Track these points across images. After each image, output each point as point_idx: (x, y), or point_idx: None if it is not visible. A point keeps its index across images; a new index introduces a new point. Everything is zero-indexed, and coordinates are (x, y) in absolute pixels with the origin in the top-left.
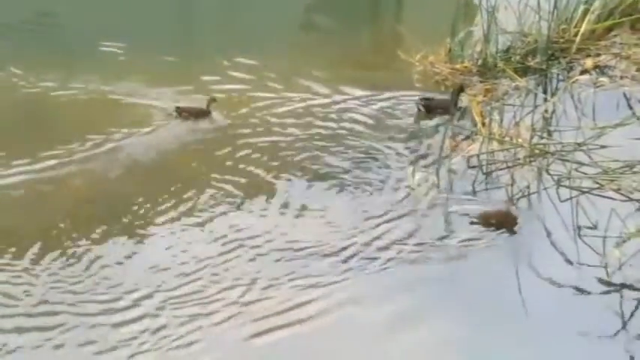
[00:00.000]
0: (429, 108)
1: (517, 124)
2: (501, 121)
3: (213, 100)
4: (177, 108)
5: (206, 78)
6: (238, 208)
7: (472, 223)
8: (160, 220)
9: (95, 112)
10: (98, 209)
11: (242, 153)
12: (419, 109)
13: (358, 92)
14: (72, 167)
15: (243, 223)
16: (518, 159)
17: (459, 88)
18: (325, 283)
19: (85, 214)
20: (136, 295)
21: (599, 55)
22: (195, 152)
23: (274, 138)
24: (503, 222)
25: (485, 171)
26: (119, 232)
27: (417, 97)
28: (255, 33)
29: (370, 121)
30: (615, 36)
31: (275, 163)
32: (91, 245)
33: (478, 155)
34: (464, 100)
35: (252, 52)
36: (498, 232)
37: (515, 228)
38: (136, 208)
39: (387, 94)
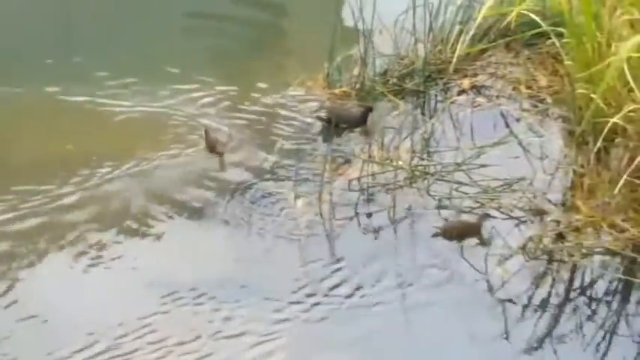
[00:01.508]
0: (332, 121)
1: (397, 146)
2: (382, 143)
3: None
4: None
5: None
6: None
7: (435, 235)
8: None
9: None
10: None
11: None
12: (324, 121)
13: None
14: None
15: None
16: (399, 181)
17: (368, 108)
18: (263, 335)
19: None
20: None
21: (475, 75)
22: None
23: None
24: (466, 233)
25: (366, 194)
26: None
27: (317, 109)
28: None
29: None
30: (491, 56)
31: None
32: None
33: (359, 178)
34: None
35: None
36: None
37: (480, 237)
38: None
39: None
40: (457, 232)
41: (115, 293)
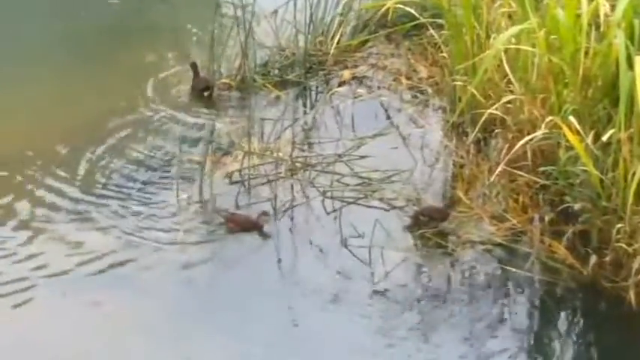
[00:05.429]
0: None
1: (278, 137)
2: (262, 135)
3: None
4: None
5: None
6: None
7: (412, 223)
8: None
9: None
10: None
11: None
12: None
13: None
14: None
15: None
16: (280, 172)
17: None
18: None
19: None
20: None
21: (356, 66)
22: None
23: None
24: (442, 218)
25: (247, 186)
26: None
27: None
28: None
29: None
30: (371, 47)
31: None
32: None
33: (240, 170)
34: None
35: None
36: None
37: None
38: None
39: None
40: (436, 216)
41: None
